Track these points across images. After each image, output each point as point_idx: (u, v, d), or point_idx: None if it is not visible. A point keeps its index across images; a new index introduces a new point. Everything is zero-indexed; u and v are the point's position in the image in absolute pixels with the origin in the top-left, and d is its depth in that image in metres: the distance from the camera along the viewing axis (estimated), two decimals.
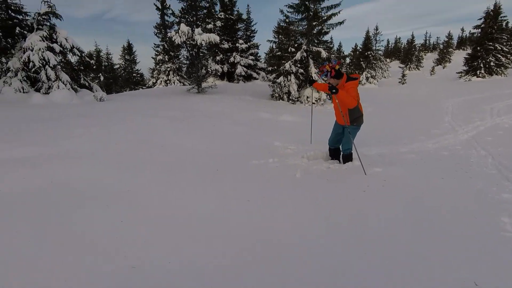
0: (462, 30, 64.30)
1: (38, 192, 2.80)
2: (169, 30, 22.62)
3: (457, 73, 28.25)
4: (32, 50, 9.19)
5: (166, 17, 23.59)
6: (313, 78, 3.66)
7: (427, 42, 64.28)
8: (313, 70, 12.70)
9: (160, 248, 2.09)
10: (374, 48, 33.88)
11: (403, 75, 30.16)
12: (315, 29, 13.25)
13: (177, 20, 13.60)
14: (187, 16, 13.30)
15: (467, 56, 27.20)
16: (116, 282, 1.73)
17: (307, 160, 4.44)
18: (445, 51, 46.99)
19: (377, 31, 35.05)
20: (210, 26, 12.84)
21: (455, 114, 9.50)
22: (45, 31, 9.74)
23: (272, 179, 3.68)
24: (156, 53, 25.56)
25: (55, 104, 8.61)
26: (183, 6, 13.19)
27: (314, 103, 12.69)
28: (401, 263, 1.97)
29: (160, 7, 23.34)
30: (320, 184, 3.53)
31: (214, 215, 2.63)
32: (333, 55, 14.09)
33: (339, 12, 12.93)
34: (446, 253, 2.08)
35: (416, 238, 2.29)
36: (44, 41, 9.43)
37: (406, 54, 48.17)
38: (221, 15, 19.12)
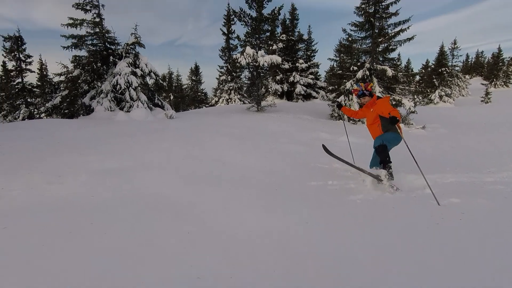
0: None
1: (123, 198, 3.22)
2: (233, 53, 24.24)
3: None
4: (120, 75, 10.77)
5: (230, 41, 25.44)
6: (340, 103, 3.87)
7: None
8: (377, 89, 12.09)
9: (222, 262, 2.16)
10: (450, 64, 30.69)
11: (487, 93, 26.57)
12: (380, 47, 12.72)
13: (241, 43, 14.48)
14: (251, 39, 14.06)
15: None
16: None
17: (368, 185, 4.16)
18: None
19: (455, 45, 31.63)
20: (274, 47, 13.31)
21: None
22: (130, 58, 11.38)
23: (331, 202, 3.53)
24: (220, 73, 27.58)
25: (134, 120, 9.80)
26: (247, 30, 14.03)
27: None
28: None
29: (226, 32, 25.33)
30: (385, 213, 3.25)
31: (272, 234, 2.63)
32: (401, 73, 13.22)
33: (408, 27, 12.23)
34: None
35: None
36: (129, 66, 10.99)
37: (491, 69, 42.31)
38: (282, 37, 19.73)
